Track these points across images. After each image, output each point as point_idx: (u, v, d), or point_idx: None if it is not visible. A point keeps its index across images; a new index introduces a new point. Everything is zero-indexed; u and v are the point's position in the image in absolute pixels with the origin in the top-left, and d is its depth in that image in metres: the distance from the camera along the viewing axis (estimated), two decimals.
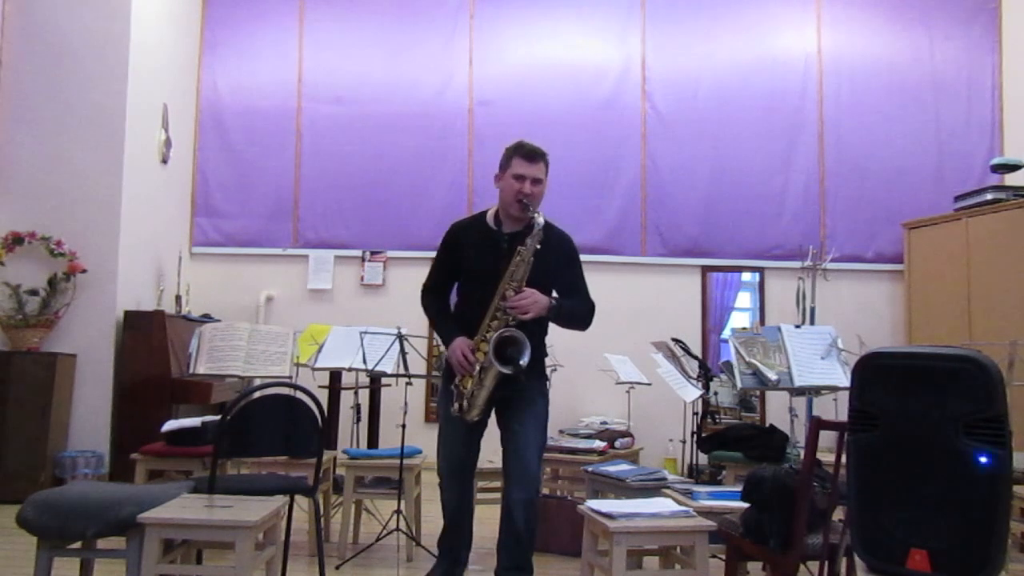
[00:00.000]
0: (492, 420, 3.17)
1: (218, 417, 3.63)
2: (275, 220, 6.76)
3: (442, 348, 3.18)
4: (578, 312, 3.11)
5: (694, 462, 4.94)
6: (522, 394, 3.04)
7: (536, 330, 3.05)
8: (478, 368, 2.96)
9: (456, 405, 3.02)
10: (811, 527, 2.46)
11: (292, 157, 6.80)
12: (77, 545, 2.66)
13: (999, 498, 1.82)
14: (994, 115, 6.80)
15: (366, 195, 6.76)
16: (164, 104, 6.19)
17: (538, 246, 2.93)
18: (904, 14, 6.87)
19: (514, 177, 3.00)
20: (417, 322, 5.68)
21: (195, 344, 4.42)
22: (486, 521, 4.13)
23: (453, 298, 3.29)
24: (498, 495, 3.98)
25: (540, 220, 2.93)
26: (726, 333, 6.61)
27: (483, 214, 3.18)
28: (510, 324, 2.93)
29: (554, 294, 3.09)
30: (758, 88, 6.80)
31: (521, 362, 2.89)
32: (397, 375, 4.23)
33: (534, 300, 2.92)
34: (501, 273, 2.96)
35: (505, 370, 2.88)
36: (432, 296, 3.23)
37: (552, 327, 3.19)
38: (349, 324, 4.74)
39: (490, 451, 3.37)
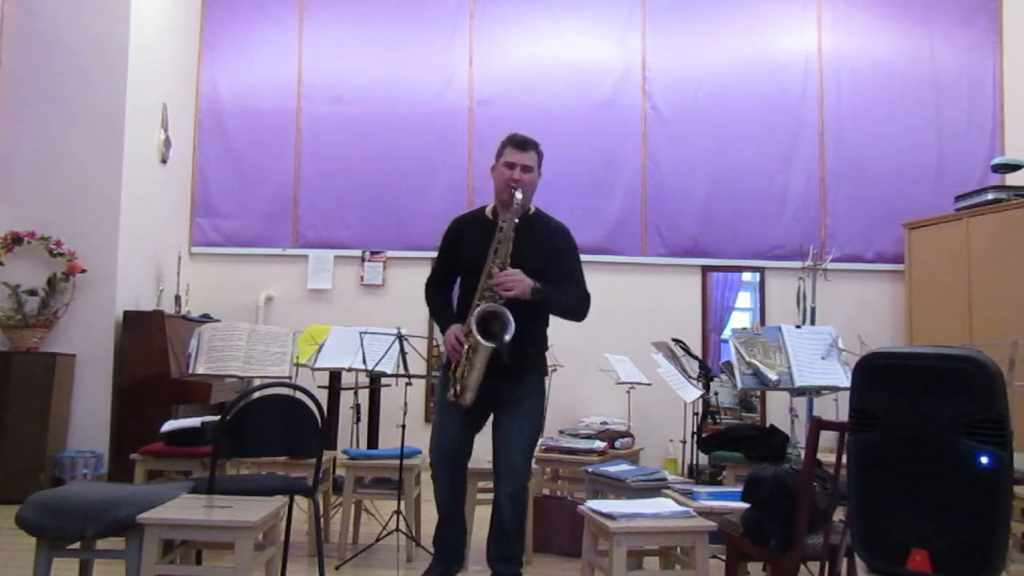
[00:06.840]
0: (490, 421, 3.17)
1: (218, 417, 3.63)
2: (275, 220, 6.76)
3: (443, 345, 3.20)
4: (567, 299, 3.12)
5: (694, 462, 4.94)
6: (517, 390, 3.06)
7: (533, 319, 3.05)
8: (466, 348, 2.97)
9: (452, 390, 3.03)
10: (811, 527, 2.45)
11: (292, 157, 6.79)
12: (76, 545, 2.66)
13: (1000, 498, 1.82)
14: (995, 115, 6.79)
15: (366, 195, 6.76)
16: (164, 104, 6.19)
17: (516, 220, 2.98)
18: (904, 14, 6.87)
19: (505, 165, 3.09)
20: (417, 322, 5.72)
21: (194, 344, 4.41)
22: (486, 521, 4.12)
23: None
24: None
25: (518, 196, 2.99)
26: (726, 333, 6.60)
27: (482, 209, 3.25)
28: (496, 302, 2.94)
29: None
30: (758, 88, 6.80)
31: (505, 337, 2.88)
32: (397, 375, 4.23)
33: (520, 279, 2.94)
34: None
35: (489, 344, 2.88)
36: (433, 290, 3.29)
37: (555, 322, 3.20)
38: (349, 324, 4.74)
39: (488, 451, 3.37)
